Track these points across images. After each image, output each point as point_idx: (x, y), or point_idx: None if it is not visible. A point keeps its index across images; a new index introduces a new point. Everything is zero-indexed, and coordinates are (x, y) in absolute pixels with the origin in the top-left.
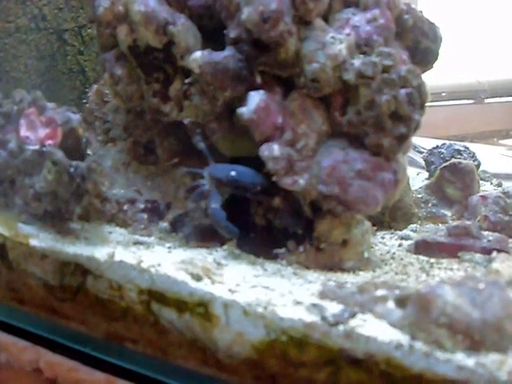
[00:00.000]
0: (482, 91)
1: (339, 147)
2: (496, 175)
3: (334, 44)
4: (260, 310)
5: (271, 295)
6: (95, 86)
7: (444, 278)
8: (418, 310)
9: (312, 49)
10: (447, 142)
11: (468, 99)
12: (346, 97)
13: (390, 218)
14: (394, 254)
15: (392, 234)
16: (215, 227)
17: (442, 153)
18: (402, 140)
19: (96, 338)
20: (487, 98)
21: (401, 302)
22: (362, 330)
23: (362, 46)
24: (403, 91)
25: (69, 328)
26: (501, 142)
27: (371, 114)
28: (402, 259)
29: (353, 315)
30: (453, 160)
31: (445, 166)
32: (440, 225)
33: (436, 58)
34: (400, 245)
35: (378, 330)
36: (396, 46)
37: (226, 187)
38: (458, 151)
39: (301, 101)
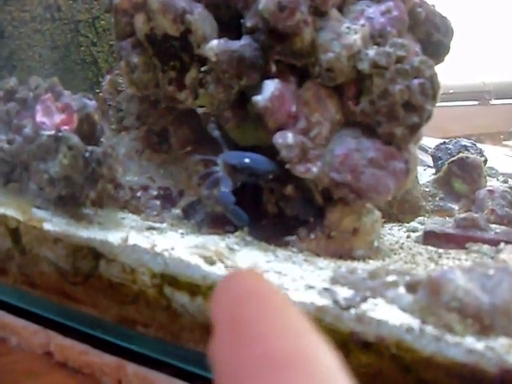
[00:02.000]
0: (486, 92)
1: (352, 136)
2: (502, 174)
3: (349, 34)
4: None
5: (283, 280)
6: (108, 76)
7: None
8: (429, 295)
9: (327, 39)
10: (454, 139)
11: (473, 100)
12: (359, 86)
13: (398, 211)
14: (402, 244)
15: (400, 226)
16: (224, 212)
17: (449, 148)
18: (414, 129)
19: (107, 321)
20: (492, 99)
21: (411, 287)
22: (373, 313)
23: (376, 37)
24: (416, 81)
25: (80, 312)
26: (505, 142)
27: (384, 103)
28: (410, 249)
29: (364, 299)
30: (461, 154)
31: (453, 161)
32: (447, 218)
33: (447, 52)
34: (408, 236)
35: (389, 314)
36: (409, 38)
37: (239, 174)
38: (465, 147)
39: (315, 90)
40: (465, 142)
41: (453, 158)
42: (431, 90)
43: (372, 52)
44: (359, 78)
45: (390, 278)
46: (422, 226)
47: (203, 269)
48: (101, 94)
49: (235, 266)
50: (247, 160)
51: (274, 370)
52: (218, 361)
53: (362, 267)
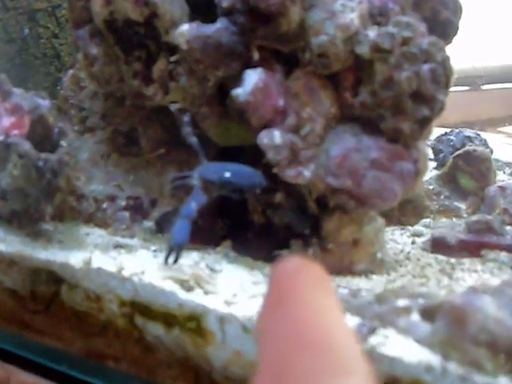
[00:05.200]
0: (477, 77)
1: (351, 133)
2: (507, 165)
3: (344, 13)
4: None
5: None
6: (71, 71)
7: (471, 282)
8: (451, 325)
9: (319, 18)
10: (456, 129)
11: (463, 86)
12: (358, 74)
13: (400, 212)
14: (408, 253)
15: (402, 229)
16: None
17: (452, 140)
18: (425, 124)
19: (73, 354)
20: (483, 84)
21: (428, 313)
22: (385, 348)
23: (376, 16)
24: (426, 67)
25: (42, 344)
26: (499, 129)
27: (389, 93)
28: (418, 259)
29: (372, 331)
30: (467, 147)
31: (458, 155)
32: (454, 219)
33: (456, 32)
34: (413, 242)
35: (404, 349)
36: (413, 17)
37: (219, 190)
38: (469, 138)
39: (305, 80)
40: (468, 132)
41: (458, 152)
42: (443, 76)
43: (372, 33)
44: (358, 65)
45: (402, 302)
46: (428, 230)
47: (179, 296)
48: (62, 92)
49: (215, 291)
50: (228, 174)
51: (303, 353)
52: (261, 335)
53: (364, 284)
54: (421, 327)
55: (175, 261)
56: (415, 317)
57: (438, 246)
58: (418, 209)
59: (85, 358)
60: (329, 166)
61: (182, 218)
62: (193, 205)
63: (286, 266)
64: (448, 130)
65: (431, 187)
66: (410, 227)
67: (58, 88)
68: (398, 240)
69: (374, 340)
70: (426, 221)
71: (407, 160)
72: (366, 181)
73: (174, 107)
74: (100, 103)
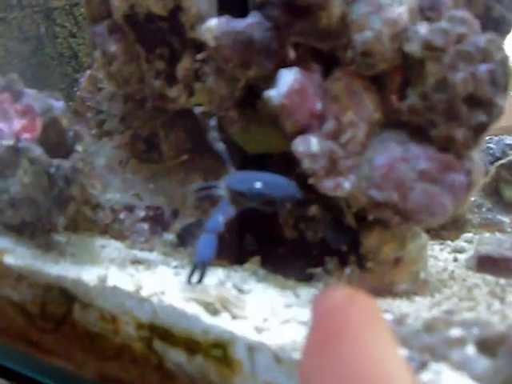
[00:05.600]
0: None
1: (397, 141)
2: None
3: (391, 6)
4: (297, 355)
5: None
6: (88, 72)
7: None
8: None
9: (363, 12)
10: (495, 137)
11: None
12: (406, 75)
13: (439, 226)
14: (452, 272)
15: (442, 244)
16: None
17: (491, 148)
18: (480, 131)
19: (85, 378)
20: None
21: (486, 346)
22: None
23: (426, 10)
24: (483, 67)
25: (52, 365)
26: None
27: (441, 96)
28: (464, 280)
29: (423, 365)
30: (511, 157)
31: (501, 164)
32: (498, 233)
33: (510, 29)
34: (455, 259)
35: None
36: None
37: (247, 201)
38: (510, 146)
39: (347, 81)
40: (508, 140)
41: (501, 161)
42: (503, 78)
43: (423, 29)
44: (407, 64)
45: (454, 332)
46: (471, 246)
47: (203, 320)
48: (78, 93)
49: (244, 316)
50: (259, 185)
51: None
52: (310, 378)
53: (407, 308)
54: (478, 362)
55: (199, 280)
56: (471, 349)
57: (484, 264)
58: (459, 222)
59: (98, 382)
60: (372, 177)
61: (207, 233)
62: (219, 218)
63: (331, 298)
64: (486, 138)
65: (472, 199)
66: (450, 242)
67: (75, 89)
68: (438, 256)
69: (425, 376)
70: (468, 235)
71: (459, 171)
72: (414, 194)
73: (198, 110)
74: (119, 105)
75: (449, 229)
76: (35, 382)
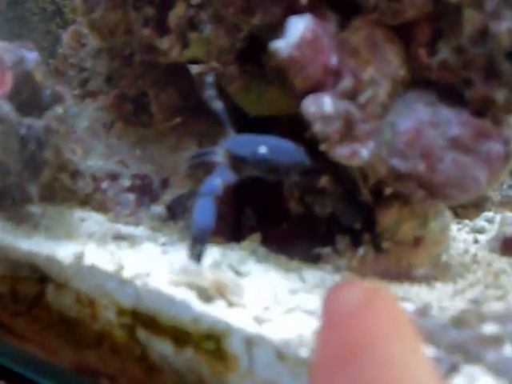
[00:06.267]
0: None
1: (424, 102)
2: None
3: None
4: (304, 351)
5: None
6: (72, 27)
7: None
8: None
9: None
10: None
11: None
12: (438, 25)
13: (457, 204)
14: (475, 255)
15: (460, 224)
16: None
17: None
18: None
19: (60, 368)
20: None
21: None
22: None
23: None
24: None
25: (24, 352)
26: None
27: (480, 50)
28: (489, 264)
29: (454, 368)
30: None
31: None
32: None
33: None
34: (476, 241)
35: None
36: None
37: (250, 168)
38: None
39: (368, 31)
40: None
41: None
42: None
43: None
44: (439, 12)
45: (488, 329)
46: (491, 226)
47: (194, 308)
48: (60, 50)
49: (242, 304)
50: (263, 150)
51: None
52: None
53: (426, 295)
54: None
55: (199, 254)
56: (509, 349)
57: (510, 247)
58: (478, 200)
59: (74, 373)
60: (395, 143)
61: (204, 197)
62: (217, 181)
63: (346, 298)
64: None
65: None
66: (468, 221)
67: (58, 48)
68: (457, 237)
69: (457, 381)
70: (488, 214)
71: (496, 139)
72: (443, 165)
73: (194, 70)
74: (104, 62)
75: (467, 206)
76: (7, 370)
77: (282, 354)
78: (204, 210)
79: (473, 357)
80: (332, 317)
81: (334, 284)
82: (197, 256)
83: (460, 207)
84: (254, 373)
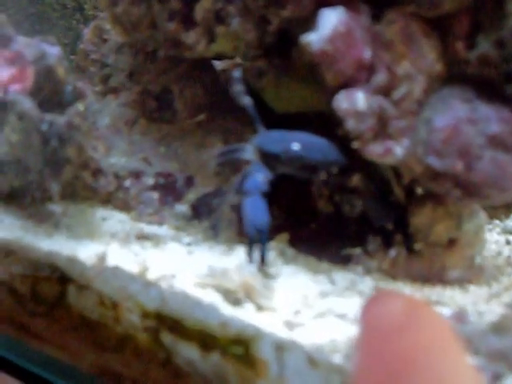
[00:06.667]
0: None
1: (462, 98)
2: None
3: None
4: (337, 357)
5: (349, 329)
6: (93, 22)
7: None
8: None
9: None
10: None
11: None
12: (477, 18)
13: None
14: (509, 257)
15: (490, 224)
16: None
17: None
18: None
19: (81, 371)
20: None
21: None
22: None
23: None
24: None
25: (43, 353)
26: None
27: None
28: None
29: (497, 377)
30: None
31: None
32: None
33: None
34: (508, 242)
35: None
36: None
37: (281, 166)
38: None
39: (403, 24)
40: None
41: None
42: None
43: None
44: (478, 4)
45: None
46: None
47: (222, 311)
48: (82, 46)
49: (271, 307)
50: (296, 146)
51: None
52: None
53: (461, 299)
54: None
55: (262, 258)
56: None
57: None
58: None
59: (96, 376)
60: (431, 141)
61: (250, 195)
62: (260, 176)
63: (385, 312)
64: None
65: None
66: (498, 222)
67: (79, 44)
68: (488, 238)
69: None
70: None
71: None
72: (482, 164)
73: (220, 66)
74: (127, 58)
75: (497, 206)
76: (26, 371)
77: (314, 360)
78: (255, 208)
79: None
80: (374, 331)
81: (372, 295)
82: (260, 258)
83: (490, 207)
84: (285, 380)
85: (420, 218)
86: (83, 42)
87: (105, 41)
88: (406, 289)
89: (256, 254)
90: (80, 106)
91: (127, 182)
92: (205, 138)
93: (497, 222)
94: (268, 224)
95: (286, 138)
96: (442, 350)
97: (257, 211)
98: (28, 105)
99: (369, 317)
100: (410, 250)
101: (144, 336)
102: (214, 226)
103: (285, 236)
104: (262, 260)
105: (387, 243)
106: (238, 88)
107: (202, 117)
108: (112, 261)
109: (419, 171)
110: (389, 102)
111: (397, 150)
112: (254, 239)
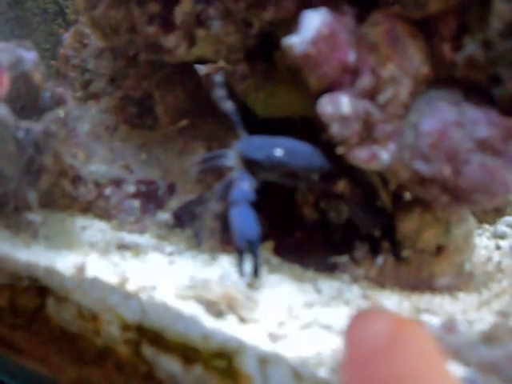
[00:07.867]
0: None
1: (449, 101)
2: None
3: None
4: (322, 371)
5: (334, 342)
6: (74, 27)
7: None
8: None
9: None
10: None
11: None
12: (464, 19)
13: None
14: (499, 263)
15: (479, 228)
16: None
17: None
18: None
19: None
20: None
21: None
22: None
23: None
24: None
25: (24, 367)
26: None
27: (509, 45)
28: None
29: None
30: None
31: None
32: None
33: None
34: (498, 247)
35: None
36: None
37: (264, 172)
38: None
39: (388, 25)
40: None
41: None
42: None
43: None
44: (465, 4)
45: None
46: None
47: (204, 324)
48: (62, 51)
49: (255, 319)
50: (279, 152)
51: None
52: None
53: (450, 306)
54: None
55: (255, 270)
56: None
57: None
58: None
59: None
60: (417, 146)
61: (237, 204)
62: (246, 185)
63: (370, 332)
64: None
65: None
66: (487, 226)
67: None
68: (477, 243)
69: None
70: (509, 219)
71: None
72: (470, 168)
73: (201, 69)
74: (107, 63)
75: (487, 210)
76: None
77: (298, 373)
78: (244, 219)
79: (507, 378)
80: (359, 353)
81: (356, 312)
82: (253, 270)
83: (479, 211)
84: None
85: (407, 225)
86: (64, 46)
87: (85, 46)
88: (394, 297)
89: (247, 266)
90: (60, 113)
91: (108, 190)
92: (187, 144)
93: (486, 226)
94: (259, 234)
95: (268, 144)
96: (427, 371)
97: (246, 221)
98: (3, 111)
99: (353, 337)
100: (398, 257)
101: (124, 349)
102: (197, 235)
103: (269, 244)
104: (255, 272)
105: (374, 250)
106: (219, 93)
107: (184, 122)
108: (91, 272)
109: (406, 176)
110: (374, 106)
111: (383, 155)
112: (244, 251)
